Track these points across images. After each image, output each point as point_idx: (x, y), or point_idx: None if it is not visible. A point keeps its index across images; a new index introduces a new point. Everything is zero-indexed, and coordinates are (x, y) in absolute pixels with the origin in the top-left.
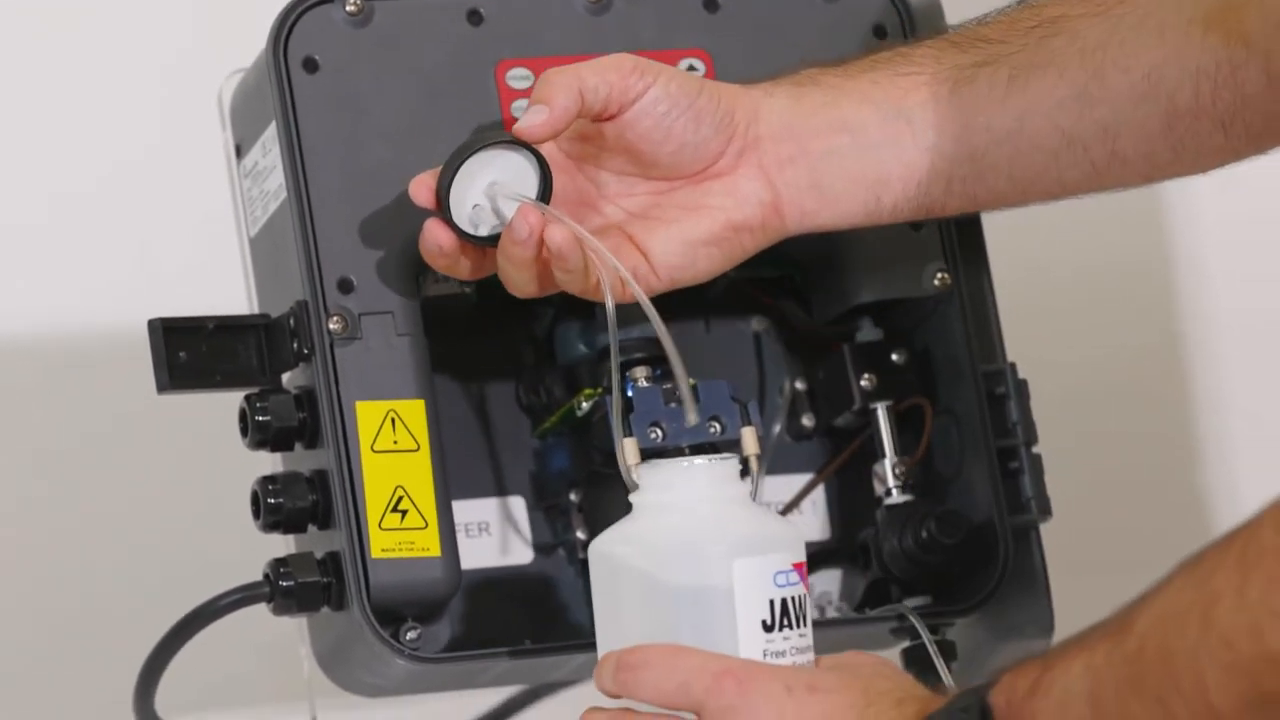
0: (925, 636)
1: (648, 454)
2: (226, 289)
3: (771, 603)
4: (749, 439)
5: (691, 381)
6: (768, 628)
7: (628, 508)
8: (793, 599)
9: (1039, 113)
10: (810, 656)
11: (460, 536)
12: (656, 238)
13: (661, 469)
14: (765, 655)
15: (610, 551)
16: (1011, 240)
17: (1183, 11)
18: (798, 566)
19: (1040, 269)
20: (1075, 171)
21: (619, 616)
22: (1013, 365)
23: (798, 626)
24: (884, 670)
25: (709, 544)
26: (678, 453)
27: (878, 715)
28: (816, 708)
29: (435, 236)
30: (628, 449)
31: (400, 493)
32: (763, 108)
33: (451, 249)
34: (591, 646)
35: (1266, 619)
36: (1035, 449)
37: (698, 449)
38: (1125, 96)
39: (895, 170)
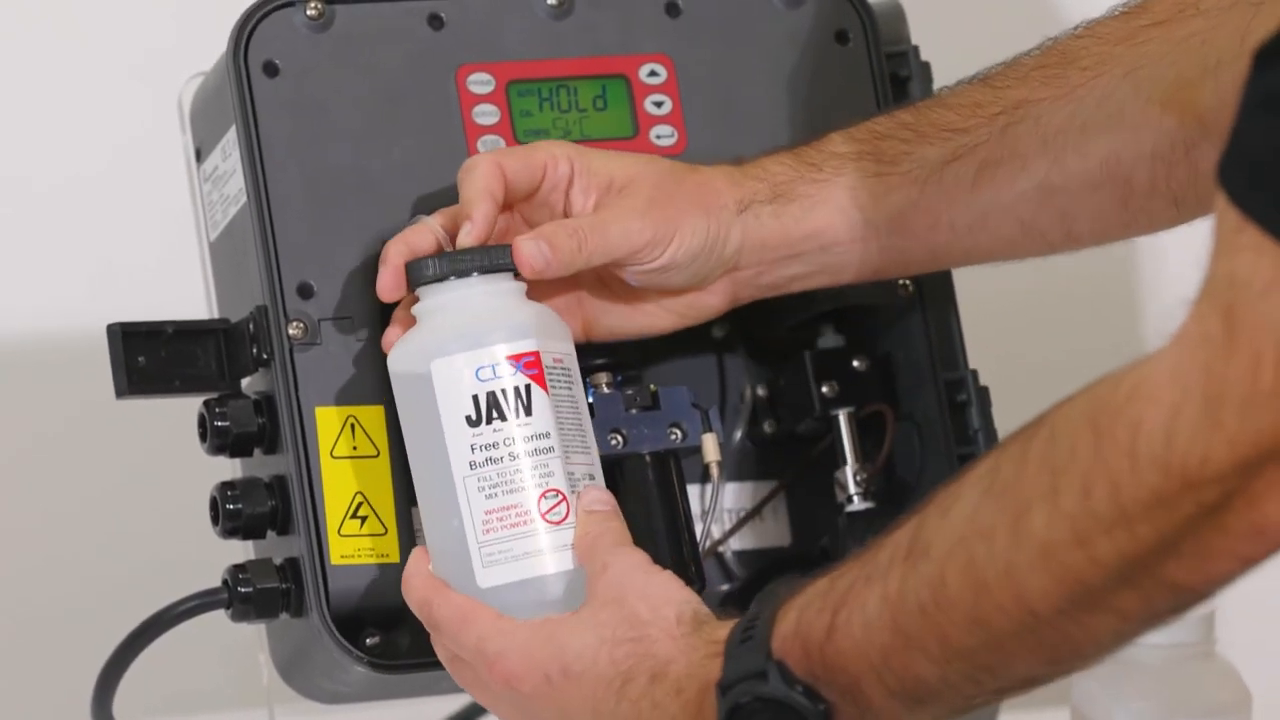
0: None
1: None
2: (188, 293)
3: (475, 398)
4: (710, 445)
5: (653, 387)
6: (473, 422)
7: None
8: (504, 390)
9: (1001, 206)
10: (547, 443)
11: (420, 542)
12: (609, 317)
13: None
14: (474, 449)
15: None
16: None
17: (1140, 92)
18: (515, 358)
19: (1002, 274)
20: (1030, 251)
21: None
22: (974, 372)
23: (518, 416)
24: (620, 614)
25: (415, 345)
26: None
27: (640, 696)
28: (576, 695)
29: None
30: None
31: (360, 499)
32: (749, 234)
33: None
34: None
35: (1090, 528)
36: None
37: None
38: (1083, 183)
39: (854, 266)
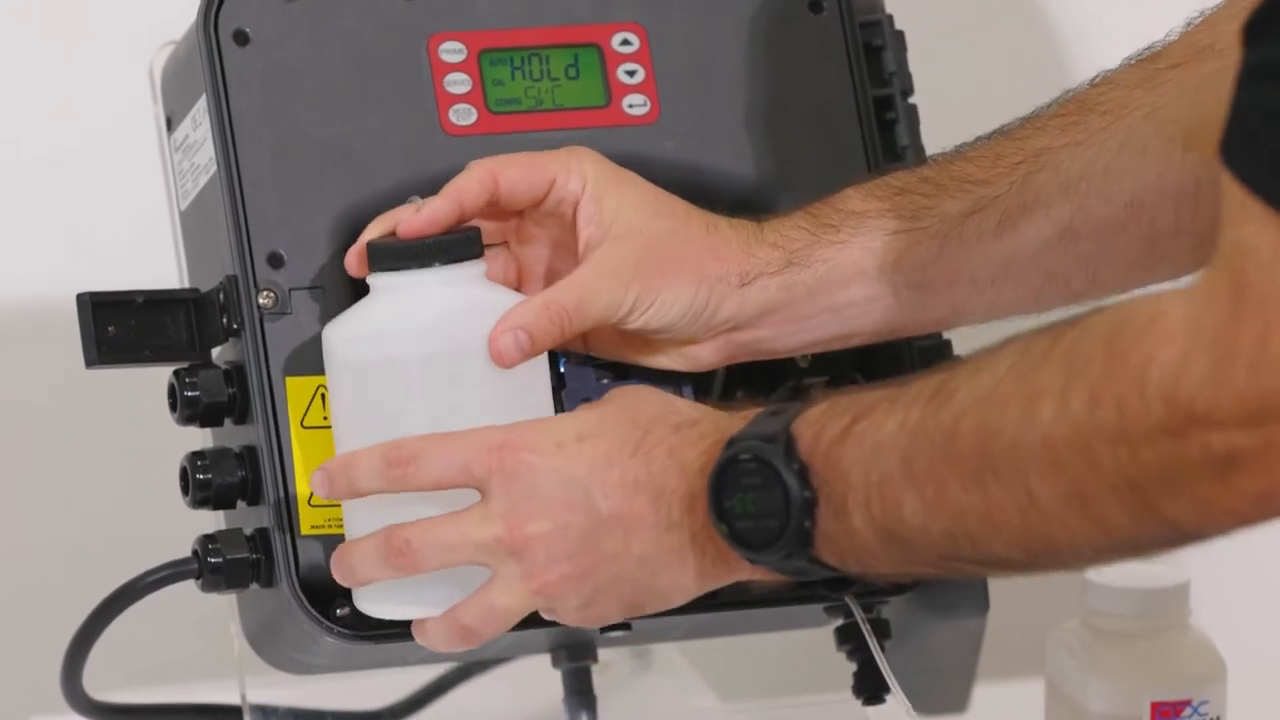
0: (858, 615)
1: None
2: (165, 263)
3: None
4: None
5: None
6: None
7: None
8: None
9: (1024, 258)
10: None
11: None
12: (608, 339)
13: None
14: None
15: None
16: None
17: (1162, 132)
18: None
19: None
20: (1054, 301)
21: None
22: (948, 342)
23: None
24: (654, 398)
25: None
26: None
27: (656, 442)
28: (588, 454)
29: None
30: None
31: None
32: (749, 304)
33: None
34: (521, 625)
35: (1093, 436)
36: None
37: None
38: (1108, 227)
39: (870, 326)
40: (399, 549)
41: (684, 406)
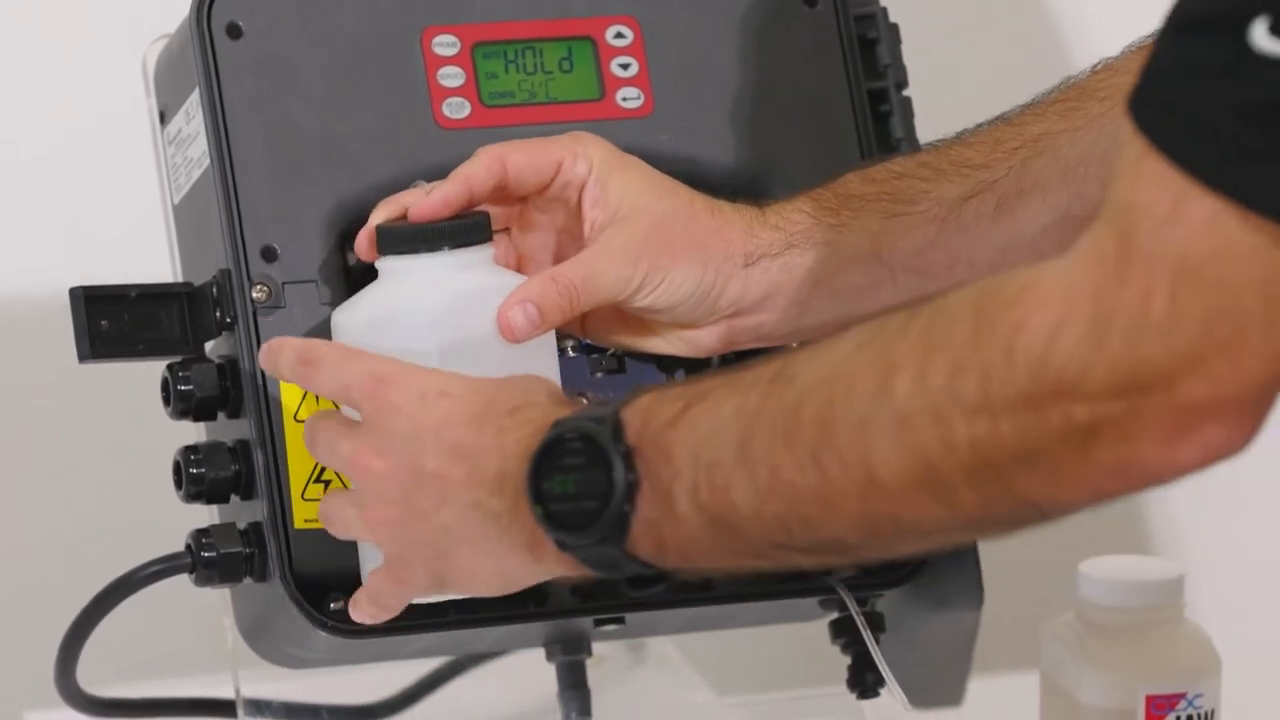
0: (853, 608)
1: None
2: (156, 257)
3: None
4: None
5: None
6: None
7: None
8: None
9: (1021, 242)
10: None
11: None
12: (605, 324)
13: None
14: None
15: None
16: None
17: None
18: None
19: None
20: None
21: None
22: None
23: None
24: (528, 383)
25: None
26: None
27: (491, 420)
28: (438, 411)
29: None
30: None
31: None
32: (752, 287)
33: None
34: (514, 619)
35: (951, 409)
36: None
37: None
38: None
39: (869, 310)
40: (306, 427)
41: (545, 398)
